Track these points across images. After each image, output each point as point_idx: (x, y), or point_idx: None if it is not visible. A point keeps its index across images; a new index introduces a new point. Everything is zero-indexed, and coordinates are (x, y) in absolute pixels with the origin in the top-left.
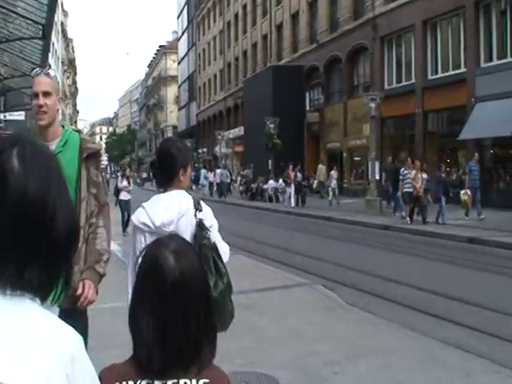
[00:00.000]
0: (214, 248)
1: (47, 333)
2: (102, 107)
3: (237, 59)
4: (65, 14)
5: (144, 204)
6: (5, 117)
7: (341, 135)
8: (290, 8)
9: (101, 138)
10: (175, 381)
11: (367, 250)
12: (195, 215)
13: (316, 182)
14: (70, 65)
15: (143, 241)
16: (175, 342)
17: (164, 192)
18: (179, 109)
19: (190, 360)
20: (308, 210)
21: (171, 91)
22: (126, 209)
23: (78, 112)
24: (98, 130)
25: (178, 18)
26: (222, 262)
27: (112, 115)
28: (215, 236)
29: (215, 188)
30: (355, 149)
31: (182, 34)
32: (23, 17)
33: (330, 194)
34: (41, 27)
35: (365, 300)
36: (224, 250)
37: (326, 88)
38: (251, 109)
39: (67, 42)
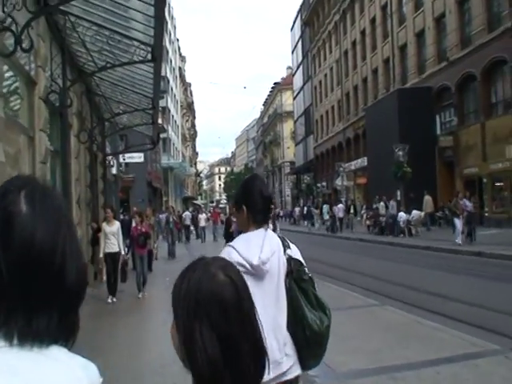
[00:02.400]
0: (312, 282)
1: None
2: (220, 149)
3: (356, 88)
4: (182, 59)
5: (232, 244)
6: (124, 159)
7: (479, 159)
8: (414, 27)
9: (219, 178)
10: None
11: None
12: (284, 252)
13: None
14: (189, 108)
15: None
16: (238, 358)
17: (245, 231)
18: (296, 144)
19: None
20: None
21: (287, 127)
22: None
23: (197, 154)
24: (216, 170)
25: (293, 53)
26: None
27: (230, 155)
28: None
29: (338, 223)
30: (497, 174)
31: (297, 68)
32: (129, 37)
33: None
34: (150, 49)
35: None
36: None
37: (460, 109)
38: (375, 137)
39: (185, 86)
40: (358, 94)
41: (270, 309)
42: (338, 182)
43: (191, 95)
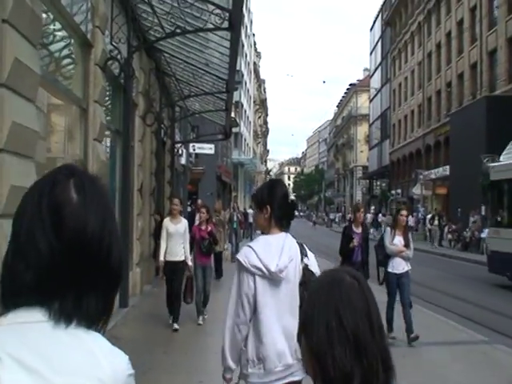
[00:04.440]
0: None
1: (101, 359)
2: (290, 148)
3: (439, 92)
4: (257, 54)
5: (251, 245)
6: (194, 150)
7: None
8: (505, 31)
9: (289, 178)
10: None
11: None
12: (302, 261)
13: None
14: (262, 105)
15: (252, 284)
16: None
17: (267, 233)
18: (370, 148)
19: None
20: None
21: (361, 130)
22: (404, 293)
23: (268, 151)
24: (286, 169)
25: (371, 54)
26: None
27: (300, 155)
28: None
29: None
30: None
31: (375, 70)
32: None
33: None
34: (227, 14)
35: None
36: None
37: None
38: (459, 146)
39: (259, 82)
40: (440, 100)
41: (284, 315)
42: (416, 190)
43: (265, 92)
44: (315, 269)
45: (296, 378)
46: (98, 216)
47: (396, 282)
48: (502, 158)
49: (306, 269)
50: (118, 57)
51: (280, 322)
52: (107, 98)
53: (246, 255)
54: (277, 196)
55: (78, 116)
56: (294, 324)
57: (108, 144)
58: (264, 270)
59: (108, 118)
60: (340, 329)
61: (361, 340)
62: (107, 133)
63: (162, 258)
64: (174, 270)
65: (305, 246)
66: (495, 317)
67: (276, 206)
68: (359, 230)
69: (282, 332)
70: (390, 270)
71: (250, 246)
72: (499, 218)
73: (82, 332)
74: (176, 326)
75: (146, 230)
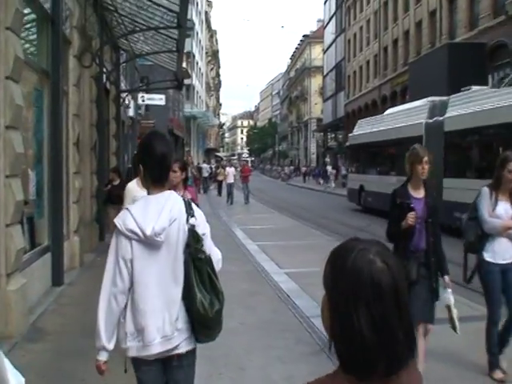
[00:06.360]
0: (209, 262)
1: None
2: (243, 102)
3: (395, 41)
4: (209, 3)
5: (130, 207)
6: (143, 101)
7: None
8: None
9: (242, 132)
10: None
11: None
12: (187, 220)
13: None
14: (214, 56)
15: (129, 249)
16: (394, 343)
17: (149, 193)
18: (324, 100)
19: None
20: None
21: (315, 82)
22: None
23: (220, 105)
24: (239, 123)
25: (325, 3)
26: (216, 277)
27: (253, 109)
28: (208, 244)
29: None
30: None
31: (329, 20)
32: None
33: None
34: None
35: None
36: (217, 257)
37: None
38: (418, 95)
39: (211, 32)
40: (397, 49)
41: (166, 281)
42: None
43: (217, 43)
44: (203, 230)
45: (181, 351)
46: None
47: (499, 278)
48: (354, 131)
49: (191, 230)
50: None
51: (160, 290)
52: (29, 29)
53: (122, 219)
54: (148, 154)
55: None
56: (176, 291)
57: (31, 87)
58: (140, 233)
59: (31, 55)
60: (366, 311)
61: (388, 323)
62: (30, 74)
63: None
64: None
65: (193, 204)
66: None
67: (148, 164)
68: (420, 195)
69: (163, 300)
70: (488, 258)
71: (127, 209)
72: (352, 168)
73: None
74: None
75: (86, 190)
